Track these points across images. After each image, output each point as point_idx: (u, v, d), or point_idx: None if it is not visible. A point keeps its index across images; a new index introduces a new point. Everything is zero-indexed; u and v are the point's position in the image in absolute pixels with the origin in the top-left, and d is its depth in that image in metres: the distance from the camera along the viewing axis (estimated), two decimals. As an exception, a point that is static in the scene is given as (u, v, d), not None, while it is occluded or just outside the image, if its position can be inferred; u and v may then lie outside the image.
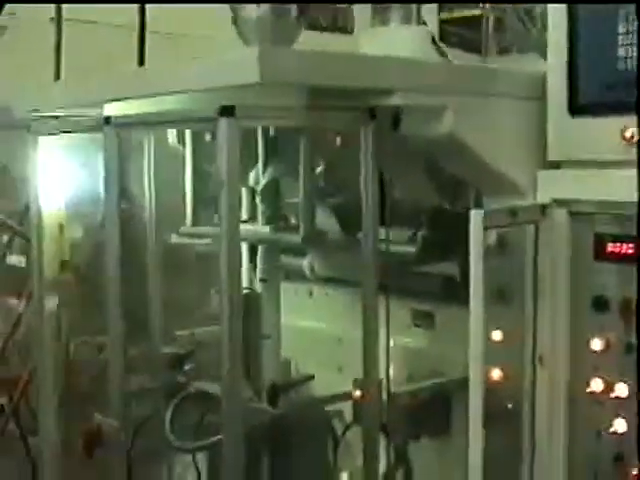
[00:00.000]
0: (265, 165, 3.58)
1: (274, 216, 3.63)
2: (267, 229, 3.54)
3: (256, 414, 3.09)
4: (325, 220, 3.70)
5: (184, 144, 3.90)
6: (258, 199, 3.63)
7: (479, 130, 2.96)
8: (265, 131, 3.56)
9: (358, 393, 3.44)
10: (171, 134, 3.93)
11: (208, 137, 3.78)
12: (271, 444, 3.31)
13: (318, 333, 3.91)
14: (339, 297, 4.03)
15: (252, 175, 3.66)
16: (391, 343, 3.54)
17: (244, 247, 4.55)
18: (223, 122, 2.56)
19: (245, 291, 3.64)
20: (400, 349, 3.61)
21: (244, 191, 3.84)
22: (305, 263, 3.97)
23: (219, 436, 3.19)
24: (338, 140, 3.50)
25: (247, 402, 3.30)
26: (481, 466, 2.70)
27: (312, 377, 3.47)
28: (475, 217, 2.67)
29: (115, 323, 3.28)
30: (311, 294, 4.14)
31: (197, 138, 3.81)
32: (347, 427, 3.64)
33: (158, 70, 2.82)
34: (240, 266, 2.76)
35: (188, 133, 3.78)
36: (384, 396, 3.20)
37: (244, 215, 3.84)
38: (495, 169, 3.04)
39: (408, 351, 3.57)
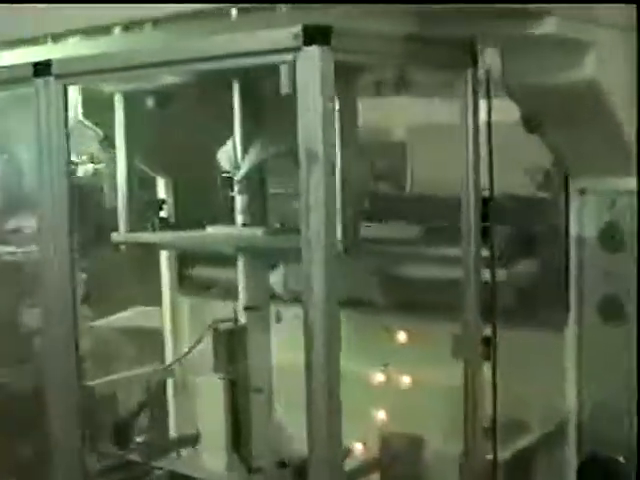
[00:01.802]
0: (247, 142, 2.49)
1: (260, 215, 2.55)
2: (258, 233, 2.45)
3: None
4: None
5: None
6: (236, 190, 2.53)
7: (621, 77, 2.07)
8: (246, 92, 2.48)
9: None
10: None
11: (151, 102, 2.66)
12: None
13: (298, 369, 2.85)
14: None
15: (224, 156, 2.55)
16: (425, 380, 2.64)
17: (164, 257, 3.44)
18: (314, 52, 1.52)
19: (226, 325, 2.54)
20: (438, 390, 2.66)
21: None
22: (276, 278, 2.90)
23: None
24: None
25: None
26: None
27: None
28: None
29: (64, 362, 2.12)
30: (279, 318, 3.08)
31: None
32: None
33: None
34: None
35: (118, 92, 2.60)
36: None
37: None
38: (625, 133, 2.17)
39: (450, 393, 2.62)
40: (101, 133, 3.02)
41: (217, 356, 2.48)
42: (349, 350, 2.96)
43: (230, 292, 3.27)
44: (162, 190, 3.32)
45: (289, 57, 1.58)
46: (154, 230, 2.77)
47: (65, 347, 2.16)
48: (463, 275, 2.09)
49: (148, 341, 3.58)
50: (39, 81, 1.98)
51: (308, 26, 1.53)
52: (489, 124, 2.04)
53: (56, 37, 2.06)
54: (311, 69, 1.55)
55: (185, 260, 3.37)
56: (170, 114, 2.80)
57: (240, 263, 2.58)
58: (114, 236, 2.70)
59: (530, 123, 2.22)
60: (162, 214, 2.99)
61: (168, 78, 2.41)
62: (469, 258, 2.06)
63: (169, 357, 3.40)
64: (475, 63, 1.99)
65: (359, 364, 2.88)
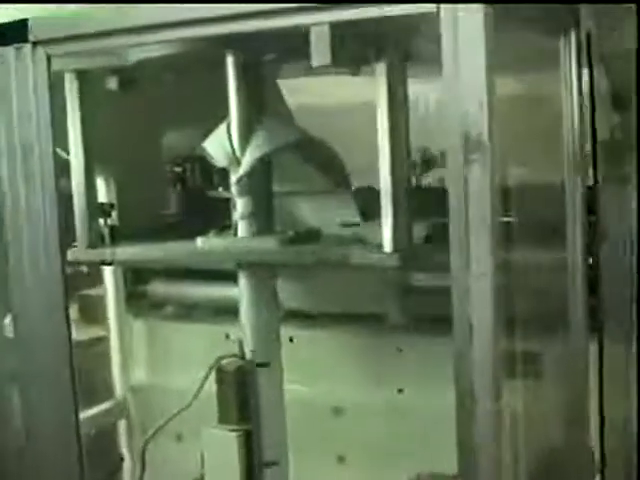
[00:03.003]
0: (248, 133, 1.99)
1: (266, 221, 2.05)
2: (271, 244, 1.96)
3: None
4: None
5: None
6: (235, 191, 2.02)
7: None
8: (248, 70, 1.98)
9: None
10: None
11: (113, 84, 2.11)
12: None
13: (298, 401, 2.36)
14: (321, 341, 2.53)
15: (218, 149, 2.04)
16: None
17: (108, 272, 2.85)
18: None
19: (229, 361, 2.04)
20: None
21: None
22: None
23: None
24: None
25: None
26: None
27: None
28: None
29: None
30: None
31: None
32: None
33: None
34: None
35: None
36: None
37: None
38: None
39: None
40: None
41: (224, 403, 1.97)
42: (360, 374, 2.55)
43: (195, 312, 2.80)
44: (102, 192, 2.79)
45: (430, 7, 1.10)
46: (103, 242, 2.22)
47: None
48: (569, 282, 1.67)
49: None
50: (8, 50, 1.42)
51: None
52: (592, 99, 1.62)
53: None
54: (469, 24, 1.07)
55: (136, 274, 2.82)
56: (125, 99, 2.27)
57: (242, 282, 2.07)
58: (71, 253, 2.13)
59: (622, 99, 1.81)
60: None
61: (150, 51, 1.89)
62: (575, 260, 1.64)
63: (119, 390, 2.85)
64: (577, 25, 1.57)
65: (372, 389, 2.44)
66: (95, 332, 2.96)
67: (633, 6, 1.57)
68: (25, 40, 1.42)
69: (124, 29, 1.43)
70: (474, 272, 1.11)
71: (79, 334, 3.77)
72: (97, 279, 2.92)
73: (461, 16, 1.07)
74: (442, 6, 1.09)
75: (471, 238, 1.10)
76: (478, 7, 1.06)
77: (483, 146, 1.07)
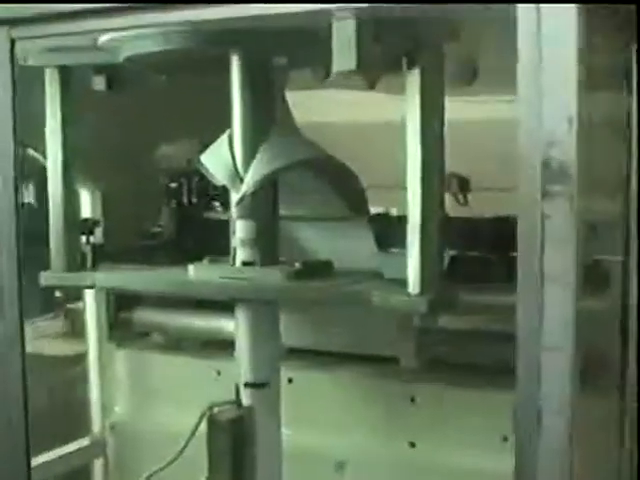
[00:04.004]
0: (253, 147, 1.71)
1: (269, 249, 1.77)
2: (275, 277, 1.68)
3: None
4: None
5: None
6: (235, 212, 1.75)
7: None
8: (257, 73, 1.72)
9: None
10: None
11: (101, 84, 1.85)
12: None
13: (295, 453, 2.07)
14: (324, 384, 2.25)
15: (219, 164, 1.77)
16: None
17: (89, 298, 2.57)
18: None
19: (223, 409, 1.76)
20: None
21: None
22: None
23: None
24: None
25: None
26: None
27: None
28: None
29: None
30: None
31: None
32: None
33: None
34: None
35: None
36: None
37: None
38: None
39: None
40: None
41: (216, 458, 1.69)
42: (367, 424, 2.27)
43: (185, 344, 2.52)
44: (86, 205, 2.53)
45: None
46: (84, 265, 1.94)
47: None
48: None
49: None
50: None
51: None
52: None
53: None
54: (556, 21, 0.81)
55: (120, 299, 2.53)
56: (115, 101, 2.02)
57: (240, 314, 1.79)
58: (44, 277, 1.86)
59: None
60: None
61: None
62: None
63: (97, 426, 2.56)
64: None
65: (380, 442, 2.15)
66: (78, 348, 2.72)
67: (633, 6, 1.33)
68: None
69: (101, 9, 1.15)
70: (547, 343, 0.84)
71: (61, 349, 3.52)
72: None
73: (546, 13, 0.80)
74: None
75: (546, 298, 0.83)
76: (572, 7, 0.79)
77: (569, 175, 0.80)
